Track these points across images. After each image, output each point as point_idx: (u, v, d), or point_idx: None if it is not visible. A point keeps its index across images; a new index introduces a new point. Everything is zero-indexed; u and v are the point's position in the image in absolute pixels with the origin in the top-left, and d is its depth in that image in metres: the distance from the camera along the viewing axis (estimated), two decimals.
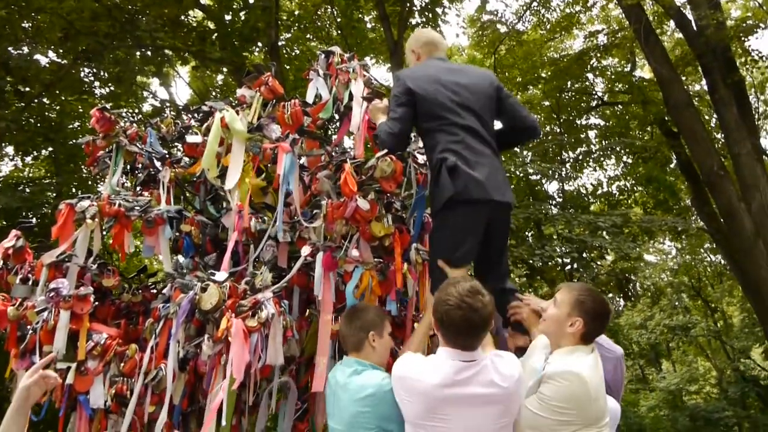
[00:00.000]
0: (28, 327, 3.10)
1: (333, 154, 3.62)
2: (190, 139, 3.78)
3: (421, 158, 3.77)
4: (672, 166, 16.47)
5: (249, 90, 3.73)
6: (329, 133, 4.63)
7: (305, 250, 3.36)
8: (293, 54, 14.61)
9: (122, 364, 3.18)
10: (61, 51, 10.95)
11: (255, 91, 3.70)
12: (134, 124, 4.07)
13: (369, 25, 15.14)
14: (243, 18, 11.88)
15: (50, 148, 12.22)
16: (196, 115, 4.07)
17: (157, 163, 4.04)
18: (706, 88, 13.17)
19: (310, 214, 3.64)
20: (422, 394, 2.27)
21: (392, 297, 3.42)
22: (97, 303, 3.47)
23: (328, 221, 3.28)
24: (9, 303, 3.16)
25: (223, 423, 2.83)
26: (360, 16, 14.43)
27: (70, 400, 3.19)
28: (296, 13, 14.62)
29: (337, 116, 3.97)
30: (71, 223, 3.34)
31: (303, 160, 3.85)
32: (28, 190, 11.43)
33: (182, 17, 12.00)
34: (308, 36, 15.03)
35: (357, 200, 3.14)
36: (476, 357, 2.33)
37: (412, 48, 3.57)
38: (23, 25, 9.86)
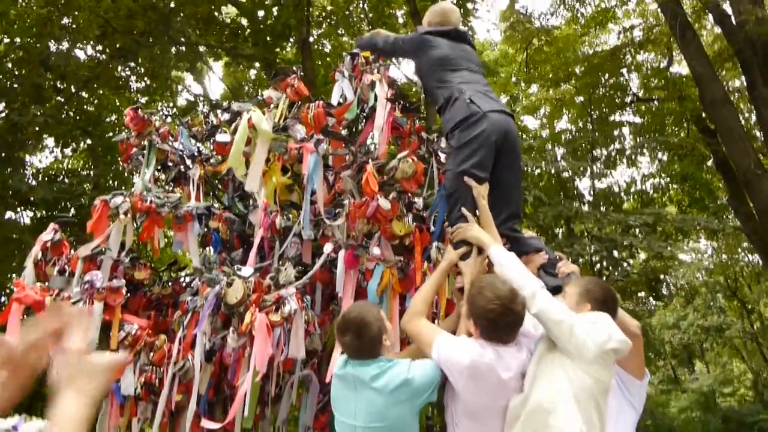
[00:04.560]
0: None
1: (357, 154, 3.70)
2: (220, 138, 3.90)
3: (444, 158, 3.83)
4: (709, 163, 16.08)
5: (275, 91, 3.83)
6: (354, 131, 4.71)
7: (328, 248, 3.45)
8: (324, 50, 14.72)
9: (152, 354, 3.32)
10: (98, 48, 11.27)
11: (281, 93, 3.80)
12: (166, 124, 4.20)
13: (400, 20, 15.14)
14: (275, 15, 12.02)
15: (88, 141, 12.60)
16: (225, 114, 4.18)
17: (188, 161, 4.17)
18: (745, 84, 12.81)
19: (334, 212, 3.73)
20: (495, 384, 2.32)
21: (412, 294, 3.48)
22: (128, 295, 3.62)
23: (351, 220, 3.37)
24: (47, 293, 3.33)
25: (246, 413, 2.94)
26: (391, 11, 14.43)
27: None
28: (328, 8, 14.71)
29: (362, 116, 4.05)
30: (105, 218, 3.50)
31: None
32: (66, 181, 11.82)
33: (216, 14, 12.20)
34: (339, 32, 15.11)
35: (378, 200, 3.21)
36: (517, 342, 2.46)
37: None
38: (63, 22, 10.17)
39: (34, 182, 11.41)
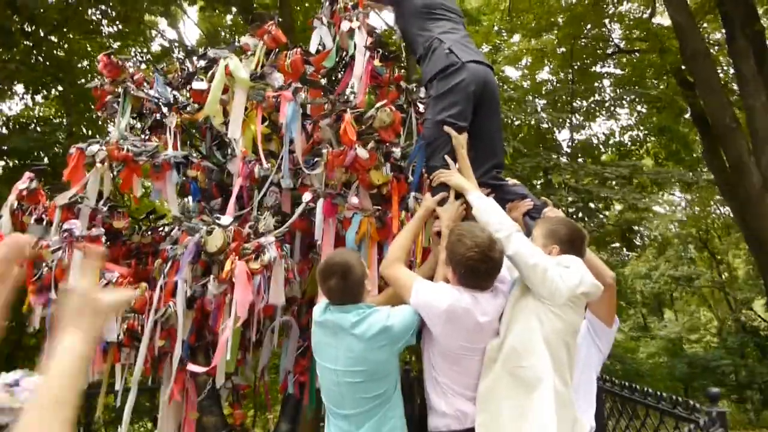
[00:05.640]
0: (44, 265, 3.28)
1: (336, 103, 3.68)
2: (196, 85, 3.84)
3: (423, 108, 3.84)
4: (686, 116, 16.22)
5: (252, 39, 3.76)
6: (333, 79, 4.66)
7: (306, 197, 3.48)
8: None
9: (133, 302, 3.36)
10: None
11: (258, 40, 3.73)
12: (140, 71, 4.12)
13: None
14: None
15: (60, 88, 12.23)
16: (201, 60, 4.11)
17: (164, 109, 4.11)
18: (725, 37, 12.81)
19: (312, 161, 3.74)
20: (472, 328, 2.43)
21: (389, 243, 3.54)
22: (108, 243, 3.63)
23: (329, 169, 3.39)
24: None
25: (228, 357, 3.03)
26: None
27: None
28: None
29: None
30: (82, 167, 3.47)
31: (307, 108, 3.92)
32: (39, 129, 11.52)
33: None
34: None
35: (356, 149, 3.23)
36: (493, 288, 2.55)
37: None
38: None
39: (5, 130, 11.12)
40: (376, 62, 3.85)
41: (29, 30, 10.62)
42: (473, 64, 3.19)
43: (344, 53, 3.93)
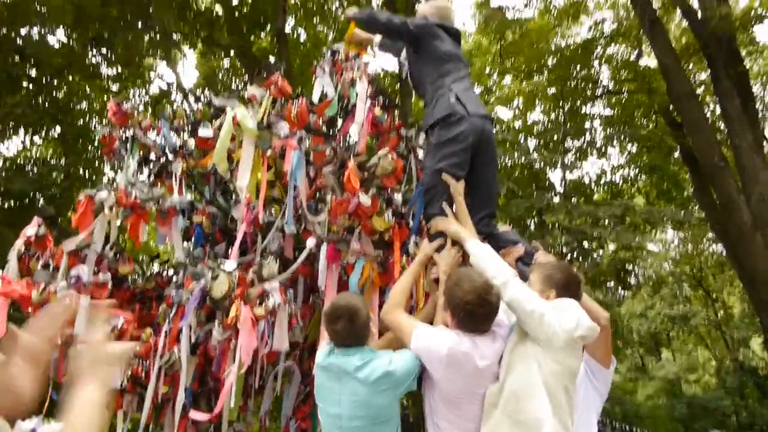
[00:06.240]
0: None
1: (337, 150, 3.78)
2: (202, 132, 3.93)
3: (422, 154, 3.93)
4: (675, 155, 16.49)
5: (259, 89, 3.87)
6: (336, 122, 4.75)
7: (310, 242, 3.53)
8: (299, 39, 14.64)
9: (138, 347, 3.37)
10: (73, 36, 11.06)
11: (265, 90, 3.84)
12: (147, 116, 4.21)
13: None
14: (250, 3, 11.92)
15: (58, 128, 12.35)
16: (209, 107, 4.20)
17: (170, 155, 4.19)
18: (711, 77, 13.14)
19: (315, 207, 3.81)
20: (472, 372, 2.45)
21: (391, 287, 3.59)
22: (113, 288, 3.65)
23: (332, 216, 3.45)
24: (32, 287, 3.34)
25: (232, 404, 3.03)
26: None
27: None
28: None
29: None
30: (90, 213, 3.51)
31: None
32: (36, 169, 11.58)
33: (191, 1, 12.04)
34: (315, 20, 15.02)
35: (359, 196, 3.31)
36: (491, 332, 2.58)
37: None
38: (36, 9, 9.94)
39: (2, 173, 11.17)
40: (377, 110, 3.96)
41: (34, 75, 10.82)
42: (474, 118, 3.28)
43: (345, 101, 4.05)
